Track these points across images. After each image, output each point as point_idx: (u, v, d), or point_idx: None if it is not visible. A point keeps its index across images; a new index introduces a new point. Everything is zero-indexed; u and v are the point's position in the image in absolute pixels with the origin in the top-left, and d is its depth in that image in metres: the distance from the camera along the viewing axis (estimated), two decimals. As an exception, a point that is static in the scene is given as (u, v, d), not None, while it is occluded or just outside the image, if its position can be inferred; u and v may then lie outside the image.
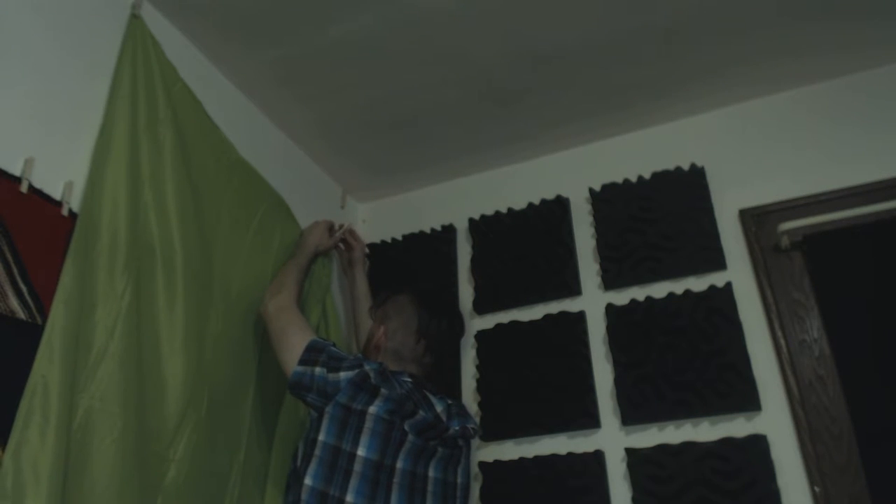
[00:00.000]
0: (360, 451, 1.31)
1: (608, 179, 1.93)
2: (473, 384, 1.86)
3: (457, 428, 1.50)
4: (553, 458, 1.67)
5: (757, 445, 1.51)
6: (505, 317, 1.90)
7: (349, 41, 1.61)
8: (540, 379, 1.76)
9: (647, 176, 1.89)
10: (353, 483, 1.28)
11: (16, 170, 1.12)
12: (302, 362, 1.39)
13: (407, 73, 1.73)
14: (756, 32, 1.64)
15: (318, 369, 1.37)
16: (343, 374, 1.35)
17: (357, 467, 1.29)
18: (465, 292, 2.00)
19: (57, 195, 1.18)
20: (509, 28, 1.59)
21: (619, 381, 1.68)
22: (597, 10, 1.54)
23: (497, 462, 1.73)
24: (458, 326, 1.76)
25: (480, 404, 1.81)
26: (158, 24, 1.50)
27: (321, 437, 1.32)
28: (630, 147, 1.98)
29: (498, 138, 2.02)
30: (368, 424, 1.33)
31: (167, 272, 1.34)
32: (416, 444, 1.38)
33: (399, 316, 1.60)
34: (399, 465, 1.35)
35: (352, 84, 1.76)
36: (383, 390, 1.36)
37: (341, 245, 2.01)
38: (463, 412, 1.61)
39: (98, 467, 1.09)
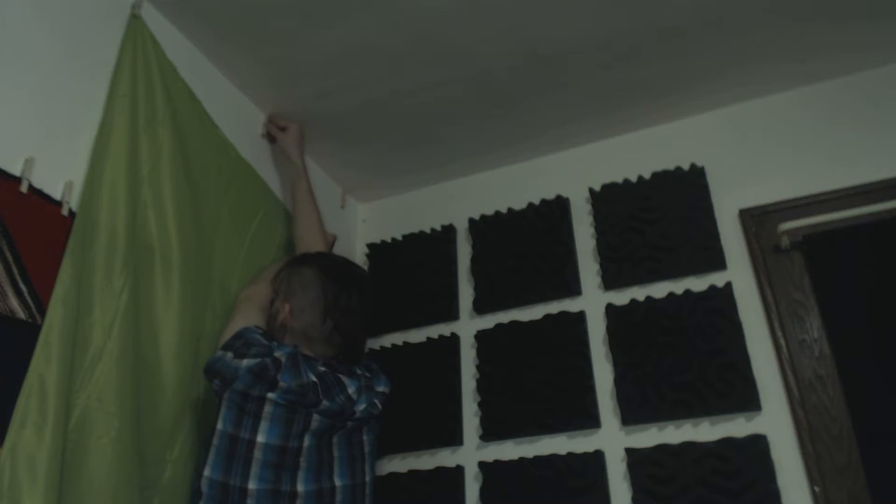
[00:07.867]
0: (260, 438, 1.26)
1: (608, 179, 1.93)
2: (473, 384, 1.86)
3: (363, 406, 1.44)
4: (553, 458, 1.67)
5: (757, 445, 1.51)
6: (505, 317, 1.90)
7: (349, 41, 1.61)
8: (540, 379, 1.76)
9: (647, 176, 1.89)
10: (255, 470, 1.24)
11: (16, 170, 1.12)
12: (223, 347, 1.33)
13: (407, 73, 1.73)
14: (755, 33, 1.64)
15: (228, 354, 1.31)
16: (245, 362, 1.28)
17: (258, 454, 1.25)
18: (465, 292, 2.00)
19: (57, 195, 1.18)
20: (509, 28, 1.59)
21: (618, 381, 1.68)
22: (597, 9, 1.54)
23: (497, 462, 1.72)
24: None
25: (480, 404, 1.81)
26: (158, 24, 1.50)
27: (219, 426, 1.27)
28: (630, 147, 1.98)
29: (498, 138, 2.02)
30: (268, 409, 1.28)
31: (165, 271, 1.34)
32: (324, 423, 1.34)
33: (305, 293, 1.46)
34: (306, 443, 1.31)
35: (352, 84, 1.76)
36: (282, 383, 1.29)
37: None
38: (375, 382, 1.53)
39: (94, 466, 1.10)
